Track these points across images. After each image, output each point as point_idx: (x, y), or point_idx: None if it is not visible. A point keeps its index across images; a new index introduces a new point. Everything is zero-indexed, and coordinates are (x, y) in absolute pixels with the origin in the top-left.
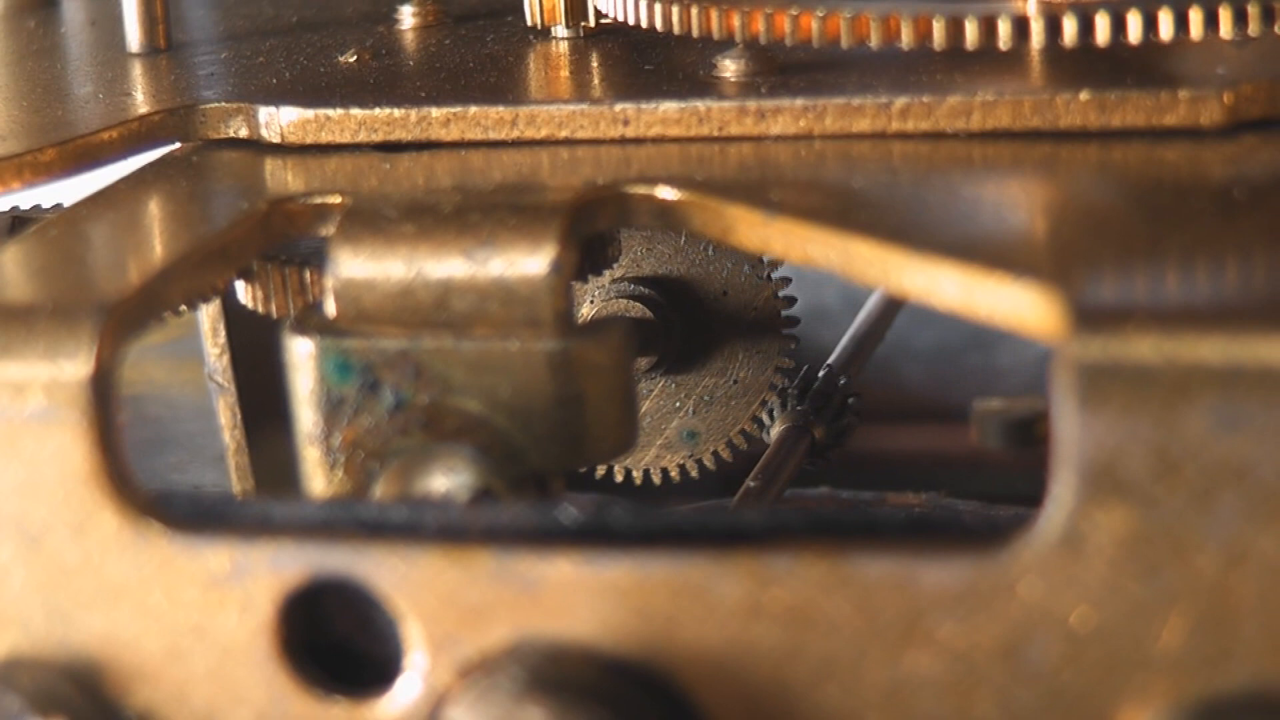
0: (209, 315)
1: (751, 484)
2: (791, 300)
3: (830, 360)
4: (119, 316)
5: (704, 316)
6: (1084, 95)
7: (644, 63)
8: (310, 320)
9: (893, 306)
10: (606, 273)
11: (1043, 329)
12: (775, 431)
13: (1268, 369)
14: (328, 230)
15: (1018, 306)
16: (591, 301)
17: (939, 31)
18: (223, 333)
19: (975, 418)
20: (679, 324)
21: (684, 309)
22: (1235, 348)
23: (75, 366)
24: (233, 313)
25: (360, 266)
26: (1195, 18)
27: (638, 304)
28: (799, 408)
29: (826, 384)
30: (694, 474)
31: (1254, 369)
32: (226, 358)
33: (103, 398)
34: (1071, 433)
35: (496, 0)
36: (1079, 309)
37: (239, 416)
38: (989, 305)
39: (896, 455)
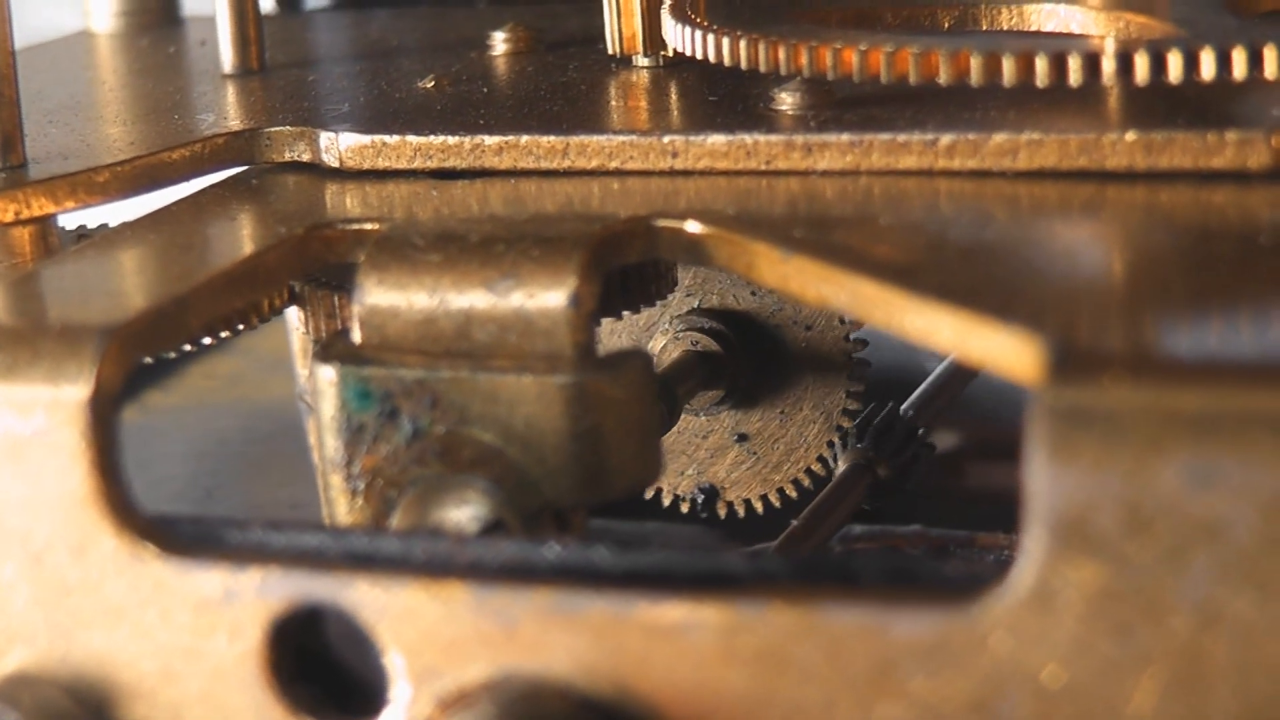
0: (300, 335)
1: (797, 522)
2: (861, 337)
3: (909, 401)
4: (122, 340)
5: (772, 351)
6: (1130, 136)
7: (711, 93)
8: (335, 347)
9: None
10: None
11: (1024, 375)
12: (840, 468)
13: (1242, 423)
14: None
15: (1002, 351)
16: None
17: (1008, 68)
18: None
19: None
20: (746, 358)
21: (752, 343)
22: (1210, 400)
23: (76, 388)
24: None
25: (385, 294)
26: (1238, 58)
27: (705, 337)
28: (859, 444)
29: (889, 420)
30: (759, 510)
31: (1229, 423)
32: None
33: (102, 420)
34: (1041, 485)
35: (595, 27)
36: (1055, 355)
37: None
38: (980, 350)
39: (999, 493)
